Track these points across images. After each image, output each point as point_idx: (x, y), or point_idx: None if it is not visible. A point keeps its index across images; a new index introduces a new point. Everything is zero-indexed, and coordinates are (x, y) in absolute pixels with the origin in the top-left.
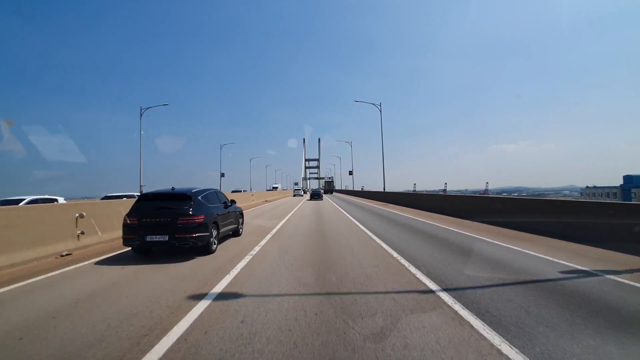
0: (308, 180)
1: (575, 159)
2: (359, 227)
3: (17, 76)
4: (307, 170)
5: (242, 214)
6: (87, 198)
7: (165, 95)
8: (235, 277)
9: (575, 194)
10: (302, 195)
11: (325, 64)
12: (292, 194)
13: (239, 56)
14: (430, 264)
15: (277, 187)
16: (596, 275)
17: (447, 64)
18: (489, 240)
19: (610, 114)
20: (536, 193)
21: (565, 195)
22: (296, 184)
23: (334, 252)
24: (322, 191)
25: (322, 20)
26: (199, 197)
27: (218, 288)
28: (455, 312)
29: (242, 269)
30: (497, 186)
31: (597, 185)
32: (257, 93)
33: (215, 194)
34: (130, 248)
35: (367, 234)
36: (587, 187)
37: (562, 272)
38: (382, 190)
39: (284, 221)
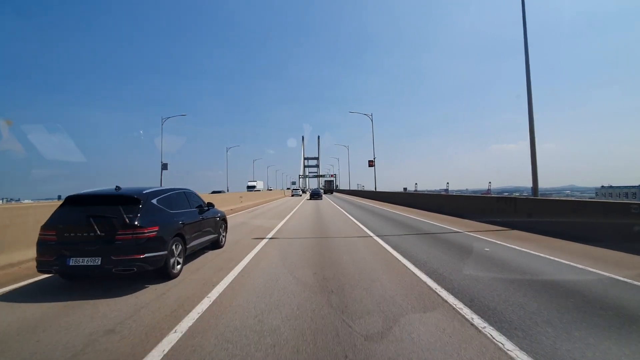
0: (307, 179)
1: (575, 159)
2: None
3: (15, 74)
4: (307, 169)
5: (224, 220)
6: None
7: (164, 93)
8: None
9: (577, 193)
10: (301, 195)
11: (325, 63)
12: (284, 195)
13: (238, 54)
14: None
15: (254, 187)
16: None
17: (447, 64)
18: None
19: (611, 114)
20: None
21: (567, 195)
22: (293, 183)
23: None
24: (322, 191)
25: (322, 20)
26: (154, 201)
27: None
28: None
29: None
30: (497, 186)
31: (614, 185)
32: (257, 92)
33: (184, 196)
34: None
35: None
36: (602, 186)
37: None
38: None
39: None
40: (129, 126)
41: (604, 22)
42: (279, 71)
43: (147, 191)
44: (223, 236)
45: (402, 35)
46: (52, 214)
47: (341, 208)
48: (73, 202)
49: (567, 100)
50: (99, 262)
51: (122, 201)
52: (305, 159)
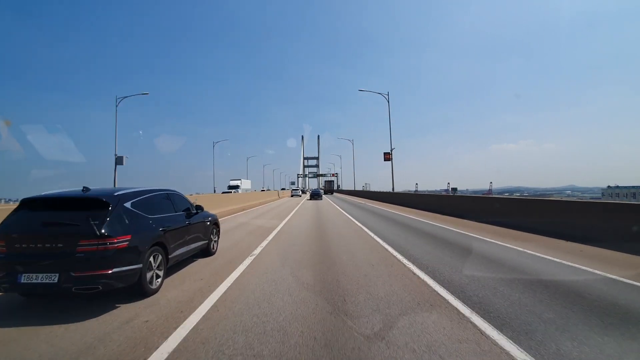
0: (307, 179)
1: (575, 159)
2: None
3: (12, 73)
4: (306, 169)
5: (216, 224)
6: None
7: (162, 92)
8: None
9: (578, 193)
10: (300, 196)
11: (324, 62)
12: (278, 197)
13: (238, 55)
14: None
15: (237, 187)
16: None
17: (447, 64)
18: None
19: (611, 114)
20: (538, 193)
21: (568, 195)
22: (292, 183)
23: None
24: (322, 191)
25: (322, 21)
26: (127, 204)
27: None
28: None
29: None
30: (497, 186)
31: (620, 185)
32: (257, 92)
33: (167, 198)
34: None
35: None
36: (608, 186)
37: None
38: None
39: None
40: (128, 126)
41: (604, 23)
42: (279, 71)
43: (120, 193)
44: (215, 242)
45: (402, 35)
46: (3, 221)
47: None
48: (29, 207)
49: (567, 100)
50: (56, 280)
51: (88, 205)
52: (305, 158)
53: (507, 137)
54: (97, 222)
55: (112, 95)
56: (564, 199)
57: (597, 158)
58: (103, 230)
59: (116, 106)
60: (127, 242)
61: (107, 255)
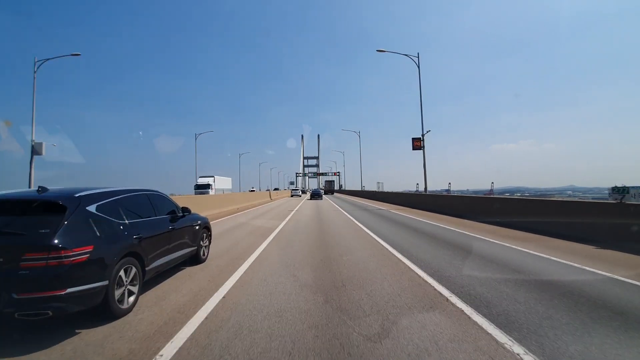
0: (307, 179)
1: (575, 159)
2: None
3: (12, 74)
4: (306, 168)
5: (207, 228)
6: None
7: (160, 92)
8: None
9: (579, 193)
10: (300, 196)
11: (324, 62)
12: (270, 199)
13: (237, 53)
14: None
15: (207, 186)
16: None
17: (447, 64)
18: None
19: (610, 114)
20: (538, 193)
21: (569, 195)
22: (292, 183)
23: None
24: (322, 191)
25: (322, 21)
26: (91, 207)
27: None
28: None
29: None
30: (497, 186)
31: (627, 185)
32: (256, 91)
33: (147, 199)
34: None
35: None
36: (615, 187)
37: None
38: None
39: None
40: (127, 126)
41: (604, 22)
42: (279, 71)
43: (82, 194)
44: (205, 247)
45: (402, 35)
46: None
47: None
48: None
49: (567, 100)
50: None
51: (40, 209)
52: (305, 158)
53: (507, 137)
54: (48, 230)
55: (110, 95)
56: (565, 199)
57: (597, 158)
58: (55, 241)
59: (34, 71)
60: (87, 255)
61: (60, 271)
